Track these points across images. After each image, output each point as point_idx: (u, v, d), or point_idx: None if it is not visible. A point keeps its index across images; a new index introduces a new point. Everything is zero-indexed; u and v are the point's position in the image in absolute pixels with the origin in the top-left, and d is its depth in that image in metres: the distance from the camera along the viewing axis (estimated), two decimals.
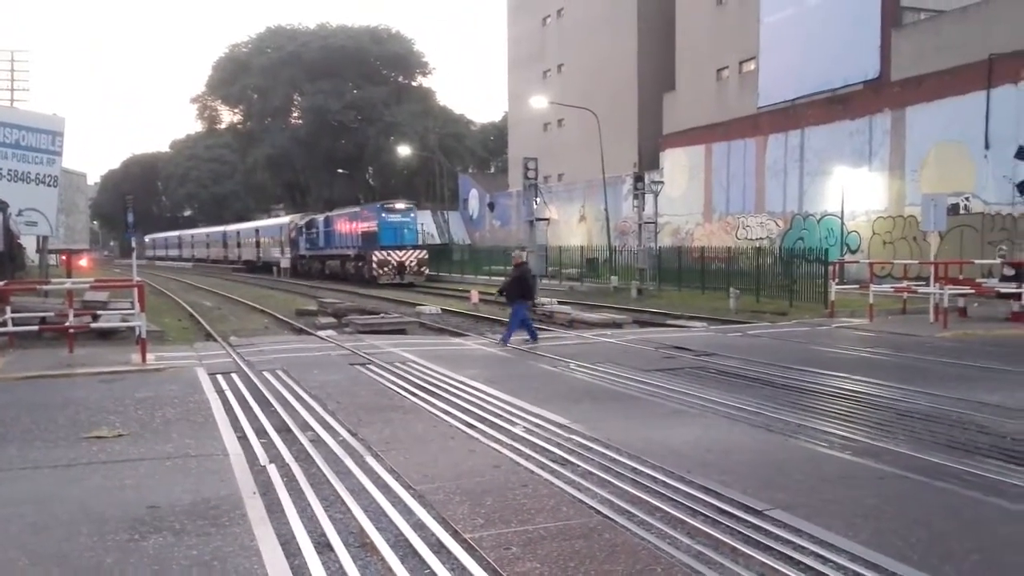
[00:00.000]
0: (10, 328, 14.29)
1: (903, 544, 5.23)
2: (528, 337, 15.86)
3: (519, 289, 15.92)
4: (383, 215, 42.13)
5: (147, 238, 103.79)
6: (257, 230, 65.13)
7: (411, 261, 41.50)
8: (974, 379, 11.58)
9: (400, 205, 44.37)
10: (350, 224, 45.61)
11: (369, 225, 42.71)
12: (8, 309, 14.65)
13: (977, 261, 22.51)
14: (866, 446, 7.69)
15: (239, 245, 68.87)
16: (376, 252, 40.93)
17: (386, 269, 40.67)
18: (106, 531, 5.50)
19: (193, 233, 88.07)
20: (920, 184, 29.46)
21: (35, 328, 14.86)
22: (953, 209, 25.88)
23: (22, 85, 59.13)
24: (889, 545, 5.19)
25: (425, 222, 57.34)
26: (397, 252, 41.07)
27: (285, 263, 54.05)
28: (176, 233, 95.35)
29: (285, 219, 59.97)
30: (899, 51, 31.71)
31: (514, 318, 15.84)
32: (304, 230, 52.39)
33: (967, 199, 27.99)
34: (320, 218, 51.24)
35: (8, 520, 5.75)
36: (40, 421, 8.89)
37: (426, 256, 43.48)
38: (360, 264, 43.02)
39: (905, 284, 21.48)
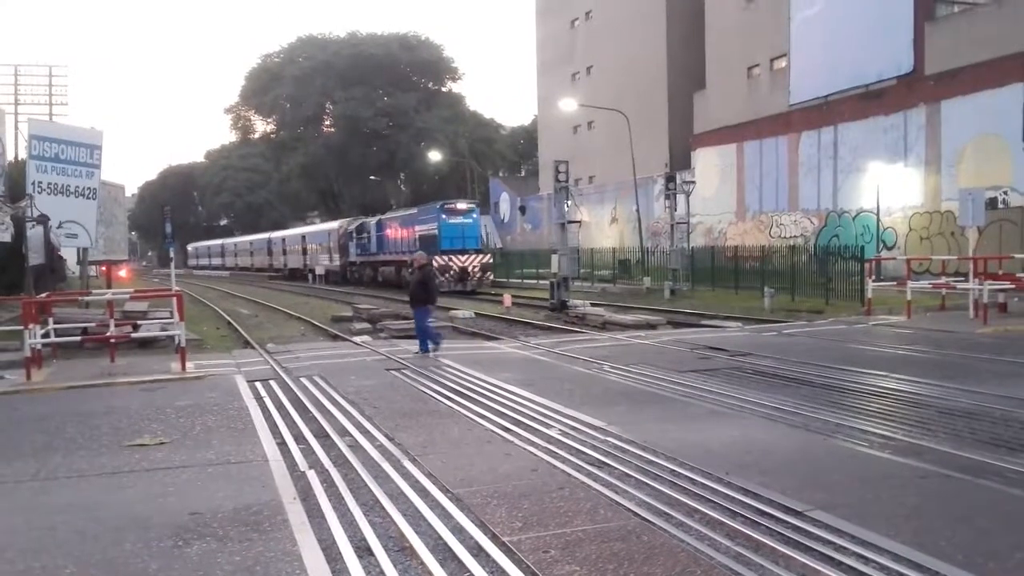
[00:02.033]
0: (53, 339, 14.55)
1: (946, 543, 5.17)
2: (418, 348, 15.13)
3: (423, 292, 15.28)
4: (443, 216, 38.98)
5: (189, 247, 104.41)
6: (303, 236, 62.57)
7: (474, 267, 38.35)
8: (1016, 375, 11.41)
9: (462, 205, 41.22)
10: (406, 227, 42.65)
11: (428, 228, 39.70)
12: (51, 320, 14.93)
13: (1017, 255, 22.11)
14: (907, 445, 7.61)
15: (284, 252, 66.71)
16: (436, 257, 36.64)
17: (447, 276, 37.29)
18: (150, 538, 5.59)
19: (236, 241, 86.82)
20: (957, 178, 29.04)
21: (77, 339, 15.13)
22: (991, 203, 25.48)
23: (60, 100, 60.47)
24: (932, 544, 5.14)
25: None
26: (459, 257, 37.96)
27: (320, 270, 53.60)
28: (219, 241, 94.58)
29: (334, 224, 57.41)
30: (933, 44, 31.27)
31: (420, 323, 15.22)
32: (355, 235, 49.64)
33: (1005, 193, 27.55)
34: (372, 221, 48.26)
35: (55, 527, 5.86)
36: (84, 430, 9.05)
37: (491, 261, 40.35)
38: None
39: (943, 280, 21.18)
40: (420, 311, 15.34)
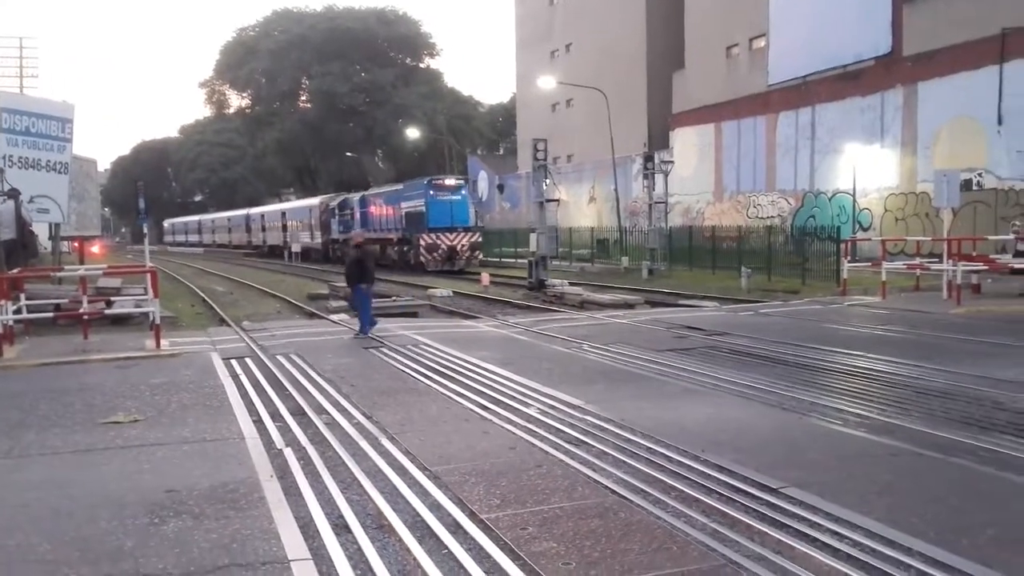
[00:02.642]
0: (25, 315, 14.38)
1: (918, 520, 5.24)
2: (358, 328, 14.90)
3: (358, 272, 15.11)
4: (431, 193, 37.74)
5: (165, 223, 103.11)
6: (283, 213, 61.27)
7: (463, 245, 37.52)
8: (988, 355, 11.54)
9: (450, 181, 39.91)
10: (391, 204, 41.32)
11: (414, 205, 38.44)
12: (23, 296, 14.74)
13: (990, 237, 22.36)
14: (881, 423, 7.69)
15: (264, 229, 65.42)
16: (424, 236, 36.85)
17: (435, 255, 36.72)
18: (125, 515, 5.56)
19: (214, 217, 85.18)
20: (933, 160, 29.20)
21: (50, 315, 14.95)
22: (966, 185, 25.67)
23: (31, 72, 59.33)
24: (904, 521, 5.20)
25: None
26: (447, 235, 36.97)
27: (297, 247, 52.98)
28: (196, 218, 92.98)
29: (315, 200, 55.81)
30: (911, 26, 31.36)
31: (358, 302, 15.11)
32: (337, 212, 47.86)
33: (980, 175, 27.77)
34: (355, 198, 46.70)
35: (28, 505, 5.81)
36: (57, 407, 8.96)
37: (480, 239, 39.42)
38: (405, 249, 38.90)
39: (918, 261, 21.38)
40: (356, 290, 15.17)
